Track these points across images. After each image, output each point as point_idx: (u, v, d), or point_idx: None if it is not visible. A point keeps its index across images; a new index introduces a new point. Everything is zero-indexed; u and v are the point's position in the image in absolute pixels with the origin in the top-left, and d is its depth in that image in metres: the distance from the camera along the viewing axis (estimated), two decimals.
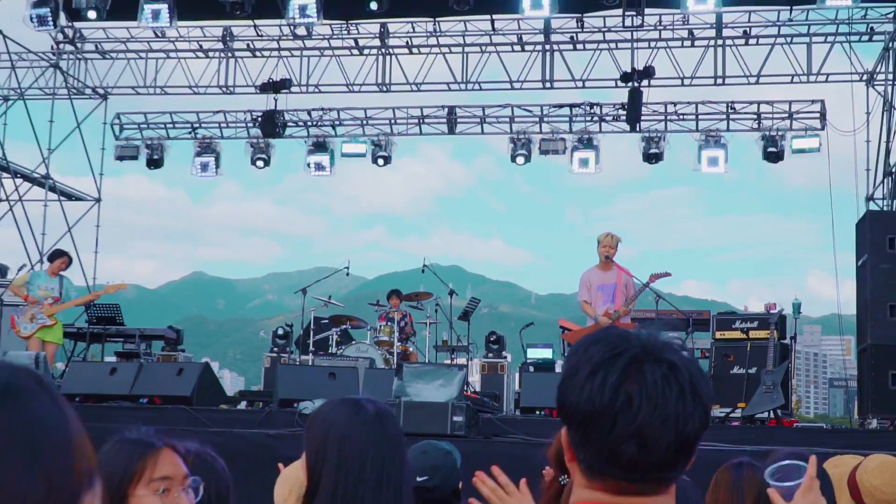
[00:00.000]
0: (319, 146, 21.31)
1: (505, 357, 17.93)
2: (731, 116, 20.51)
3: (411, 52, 20.99)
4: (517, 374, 16.40)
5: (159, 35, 20.89)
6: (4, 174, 20.37)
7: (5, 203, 20.45)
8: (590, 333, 1.74)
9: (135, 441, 2.39)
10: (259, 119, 21.04)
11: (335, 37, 20.89)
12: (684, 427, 1.60)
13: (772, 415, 11.48)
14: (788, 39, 19.55)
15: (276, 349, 17.58)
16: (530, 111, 21.23)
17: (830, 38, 19.31)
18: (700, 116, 20.63)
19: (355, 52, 21.14)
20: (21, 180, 20.96)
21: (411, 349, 15.35)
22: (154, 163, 22.03)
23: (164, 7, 18.00)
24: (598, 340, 1.67)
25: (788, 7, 18.84)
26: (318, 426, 2.63)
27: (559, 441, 3.93)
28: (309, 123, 21.83)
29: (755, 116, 20.41)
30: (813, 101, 20.09)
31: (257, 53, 21.50)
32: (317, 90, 21.47)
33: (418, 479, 3.82)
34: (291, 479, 3.60)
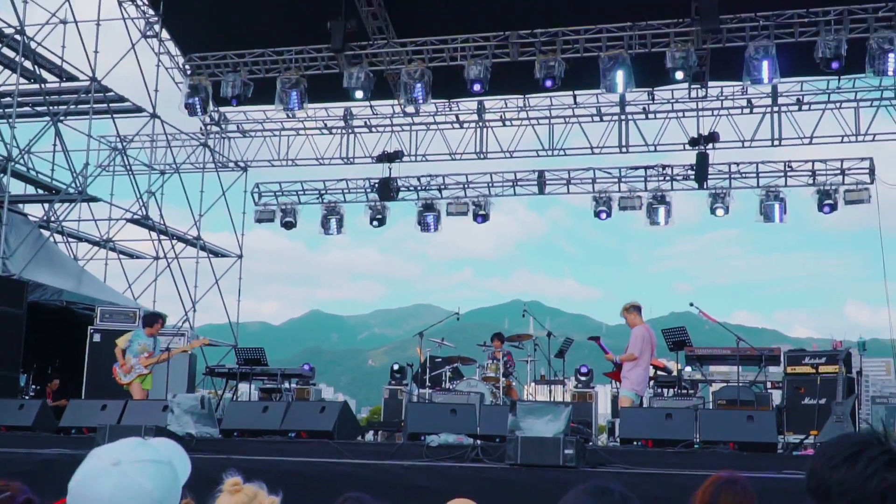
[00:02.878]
0: (428, 207, 21.37)
1: (593, 387, 17.63)
2: (788, 174, 20.06)
3: (504, 125, 21.06)
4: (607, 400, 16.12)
5: (290, 116, 21.25)
6: (163, 236, 20.77)
7: (164, 260, 20.83)
8: (845, 435, 1.72)
9: None
10: (376, 185, 21.22)
11: (439, 113, 21.09)
12: None
13: None
14: (838, 105, 19.13)
15: (392, 382, 17.51)
16: (610, 173, 21.02)
17: (876, 103, 18.80)
18: (760, 174, 20.21)
19: (456, 125, 21.29)
20: (177, 241, 21.35)
21: (514, 384, 15.14)
22: (288, 224, 22.36)
23: (294, 93, 18.33)
24: (865, 439, 1.66)
25: (837, 77, 18.37)
26: None
27: (707, 490, 3.74)
28: (418, 188, 21.92)
29: (810, 173, 19.93)
30: (862, 159, 19.51)
31: (373, 129, 21.74)
32: (424, 159, 21.58)
33: None
34: None
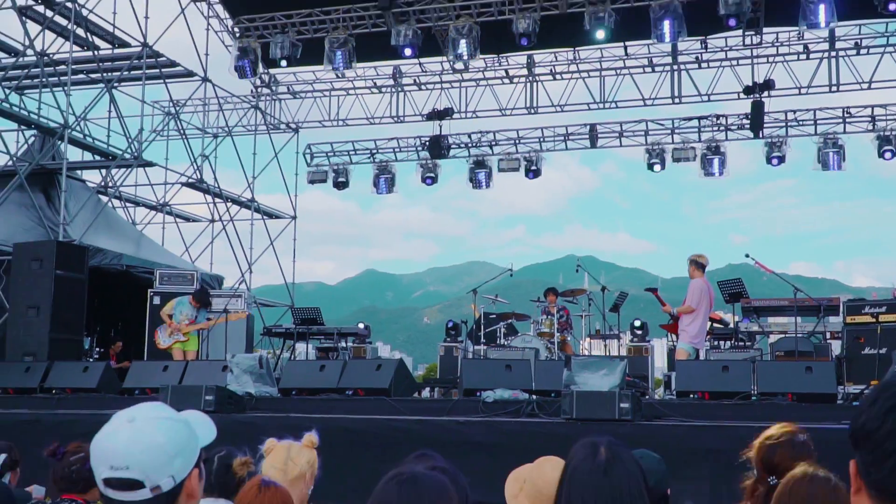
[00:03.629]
0: (480, 164, 21.31)
1: (648, 341, 17.57)
2: (847, 120, 19.60)
3: (555, 79, 20.85)
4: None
5: (340, 76, 21.25)
6: (218, 199, 21.01)
7: (219, 223, 21.09)
8: (888, 378, 1.66)
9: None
10: (427, 143, 21.20)
11: (488, 69, 20.95)
12: None
13: None
14: None
15: (448, 339, 17.60)
16: (662, 124, 20.73)
17: None
18: (818, 121, 19.76)
19: (506, 80, 21.15)
20: (231, 203, 21.59)
21: (568, 339, 15.13)
22: (340, 185, 22.46)
23: (340, 53, 18.32)
24: (881, 384, 1.58)
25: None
26: (567, 461, 2.50)
27: (763, 445, 3.72)
28: (469, 145, 21.85)
29: (869, 119, 19.46)
30: None
31: (423, 87, 21.67)
32: (475, 116, 21.49)
33: None
34: (524, 476, 3.46)
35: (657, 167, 20.19)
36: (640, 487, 2.45)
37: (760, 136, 19.36)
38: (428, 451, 3.39)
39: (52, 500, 4.12)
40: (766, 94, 18.76)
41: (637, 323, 17.26)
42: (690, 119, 20.59)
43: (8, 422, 9.58)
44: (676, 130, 20.60)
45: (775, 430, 3.81)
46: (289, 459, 3.59)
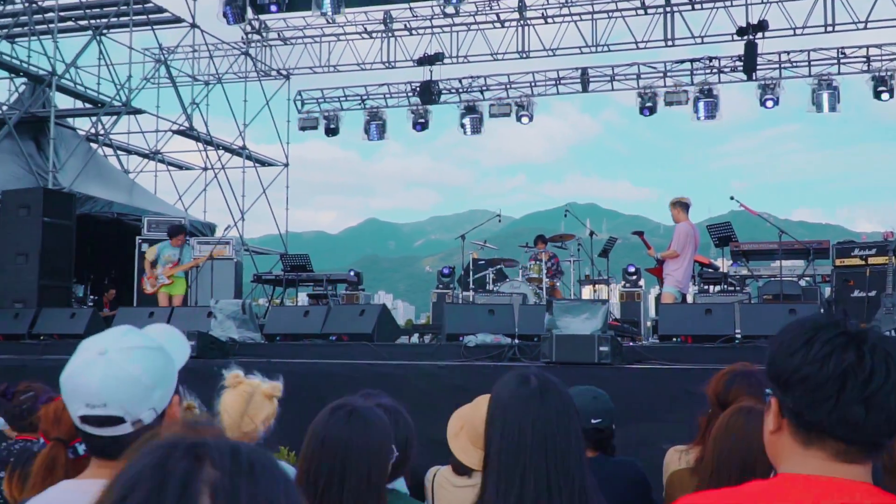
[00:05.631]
0: (470, 109, 21.09)
1: (640, 286, 17.54)
2: (842, 61, 19.30)
3: (546, 22, 20.51)
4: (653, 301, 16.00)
5: (330, 21, 20.93)
6: (209, 147, 20.85)
7: (211, 171, 20.95)
8: (811, 317, 1.62)
9: None
10: (418, 89, 20.96)
11: (479, 13, 20.60)
12: None
13: (894, 334, 10.77)
14: None
15: (441, 286, 17.59)
16: (655, 67, 20.45)
17: None
18: (812, 63, 19.47)
19: (497, 24, 20.82)
20: (223, 151, 21.43)
21: (557, 285, 15.06)
22: (331, 131, 22.32)
23: None
24: (820, 321, 1.58)
25: None
26: (493, 398, 2.48)
27: (719, 381, 3.64)
28: (460, 90, 21.60)
29: (864, 59, 19.17)
30: None
31: (413, 32, 21.36)
32: (466, 61, 21.17)
33: (592, 420, 3.67)
34: (465, 416, 3.40)
35: (648, 112, 19.96)
36: (573, 412, 2.43)
37: (754, 78, 19.08)
38: (373, 390, 3.31)
39: (7, 443, 4.06)
40: (759, 35, 18.44)
41: (630, 269, 17.23)
42: (683, 62, 20.31)
43: None
44: (669, 74, 20.33)
45: (733, 367, 3.73)
46: (245, 414, 3.46)
